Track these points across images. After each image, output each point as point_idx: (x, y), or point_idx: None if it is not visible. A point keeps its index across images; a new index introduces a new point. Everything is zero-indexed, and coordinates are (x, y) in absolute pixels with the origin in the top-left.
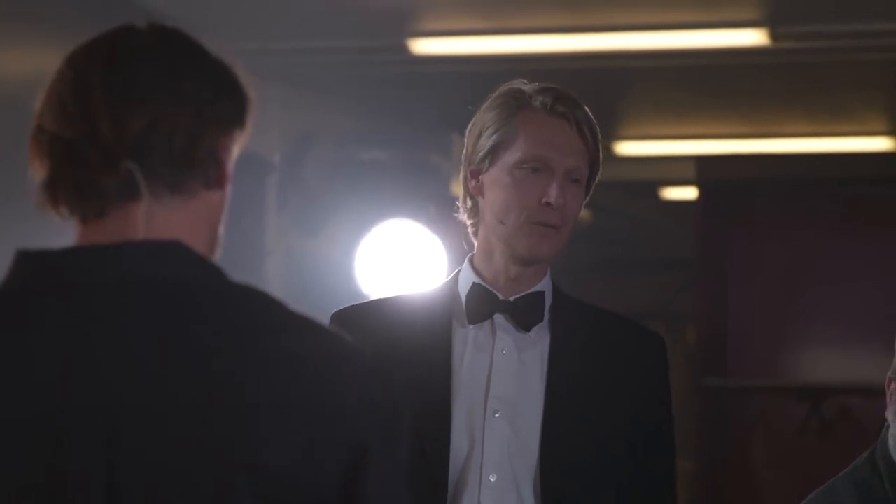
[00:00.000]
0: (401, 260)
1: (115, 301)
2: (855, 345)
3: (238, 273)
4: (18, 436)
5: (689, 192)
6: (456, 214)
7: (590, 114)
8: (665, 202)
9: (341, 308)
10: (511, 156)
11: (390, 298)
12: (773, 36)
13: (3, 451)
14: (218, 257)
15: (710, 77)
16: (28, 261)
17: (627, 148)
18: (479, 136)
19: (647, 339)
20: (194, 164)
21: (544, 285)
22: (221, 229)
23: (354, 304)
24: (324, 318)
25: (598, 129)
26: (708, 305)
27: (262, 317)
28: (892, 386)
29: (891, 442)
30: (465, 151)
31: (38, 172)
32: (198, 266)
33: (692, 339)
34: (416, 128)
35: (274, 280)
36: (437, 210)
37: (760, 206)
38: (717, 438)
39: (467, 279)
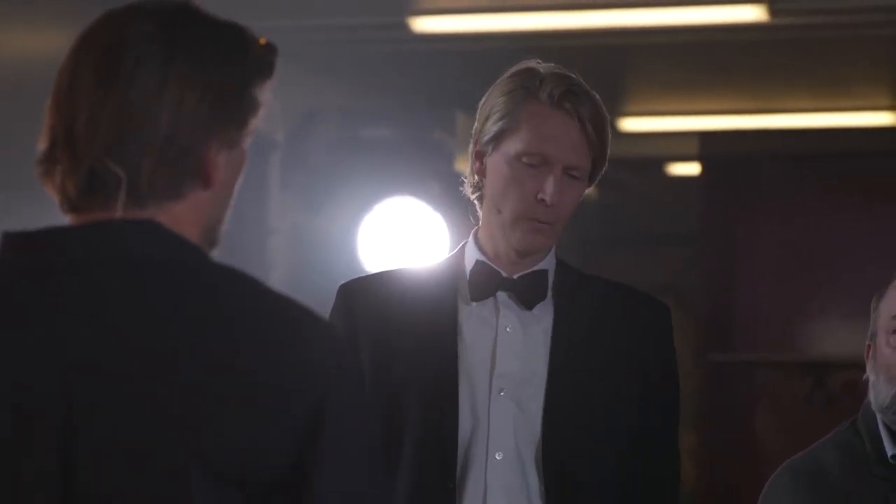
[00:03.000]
0: (404, 237)
1: (83, 279)
2: (860, 319)
3: (241, 251)
4: None
5: (693, 168)
6: (461, 189)
7: (599, 108)
8: (670, 177)
9: (348, 280)
10: (512, 146)
11: (397, 271)
12: (772, 11)
13: None
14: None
15: (711, 53)
16: (6, 241)
17: (631, 124)
18: (487, 119)
19: (652, 307)
20: (172, 166)
21: (548, 263)
22: (219, 227)
23: (361, 276)
24: (327, 294)
25: (606, 124)
26: (713, 279)
27: (230, 295)
28: (871, 350)
29: (871, 394)
30: (475, 126)
31: (41, 143)
32: (170, 244)
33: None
34: (419, 105)
35: (277, 257)
36: (440, 187)
37: (764, 180)
38: (722, 412)
39: (472, 255)
